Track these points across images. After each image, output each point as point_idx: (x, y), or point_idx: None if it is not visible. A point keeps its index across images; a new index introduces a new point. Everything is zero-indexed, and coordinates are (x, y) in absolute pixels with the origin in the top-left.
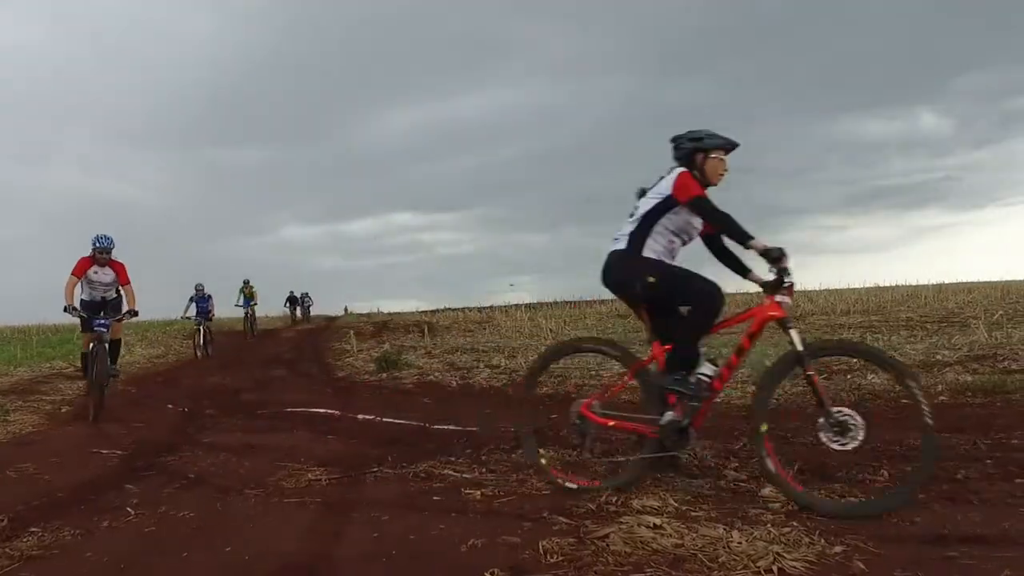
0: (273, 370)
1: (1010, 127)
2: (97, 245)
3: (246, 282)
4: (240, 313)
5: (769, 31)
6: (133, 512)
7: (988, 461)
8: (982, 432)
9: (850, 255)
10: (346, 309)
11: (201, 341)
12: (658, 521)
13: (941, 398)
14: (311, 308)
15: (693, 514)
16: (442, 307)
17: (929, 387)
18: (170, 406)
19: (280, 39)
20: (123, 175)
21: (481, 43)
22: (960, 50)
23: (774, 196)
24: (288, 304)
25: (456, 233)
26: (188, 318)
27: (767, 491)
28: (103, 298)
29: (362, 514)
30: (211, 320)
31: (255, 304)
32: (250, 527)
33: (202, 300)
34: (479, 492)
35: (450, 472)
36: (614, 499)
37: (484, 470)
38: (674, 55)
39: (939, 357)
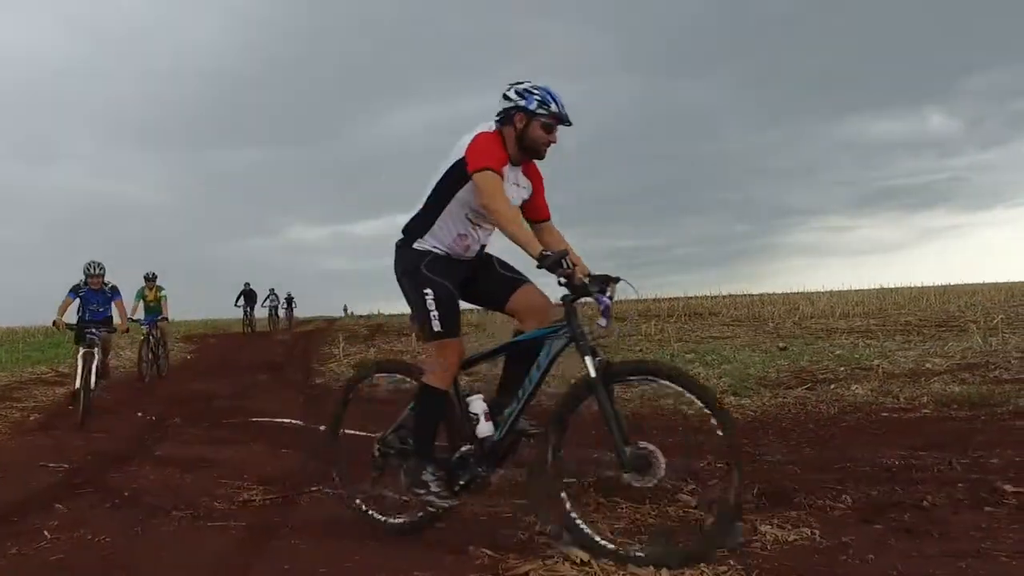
0: (257, 376)
1: (1018, 127)
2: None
3: (149, 277)
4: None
5: (775, 30)
6: (49, 536)
7: (960, 485)
8: (960, 450)
9: (858, 256)
10: (346, 310)
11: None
12: (586, 557)
13: (924, 411)
14: (290, 311)
15: (629, 548)
16: None
17: (914, 398)
18: (139, 414)
19: (285, 41)
20: (128, 176)
21: (486, 43)
22: (968, 50)
23: (781, 197)
24: (243, 301)
25: None
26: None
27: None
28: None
29: (282, 541)
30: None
31: (163, 319)
32: (163, 555)
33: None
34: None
35: (390, 493)
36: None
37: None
38: (681, 55)
39: (929, 366)
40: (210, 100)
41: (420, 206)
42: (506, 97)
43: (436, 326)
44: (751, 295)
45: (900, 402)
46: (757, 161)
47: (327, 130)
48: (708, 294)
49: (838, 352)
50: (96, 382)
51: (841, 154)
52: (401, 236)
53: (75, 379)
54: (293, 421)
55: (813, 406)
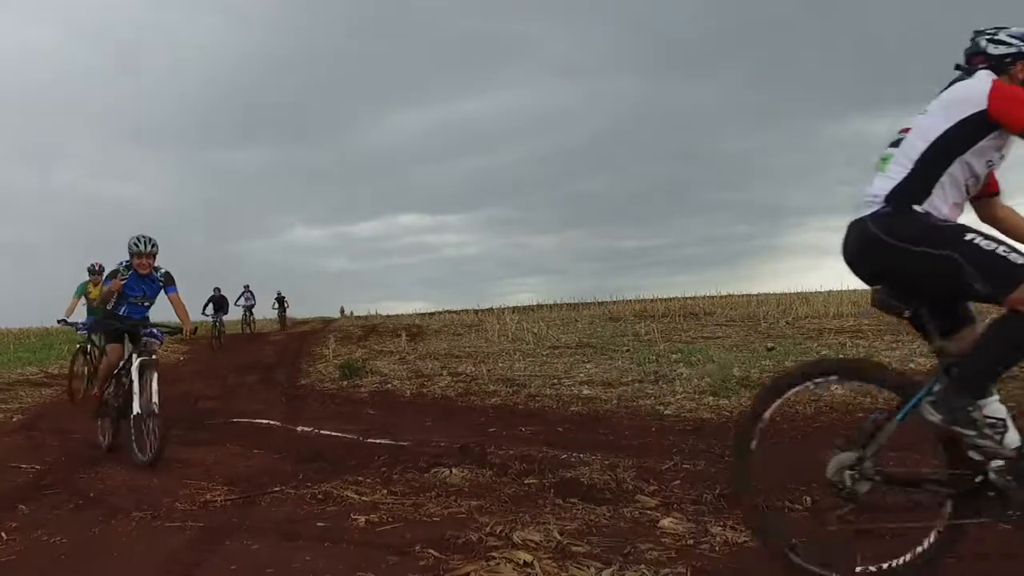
0: (247, 376)
1: None
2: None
3: (94, 270)
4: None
5: (778, 29)
6: (6, 537)
7: None
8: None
9: None
10: (342, 311)
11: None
12: (529, 559)
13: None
14: (283, 311)
15: (575, 549)
16: (442, 309)
17: (895, 397)
18: None
19: (286, 42)
20: (129, 177)
21: (488, 44)
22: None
23: (783, 197)
24: (212, 309)
25: (462, 235)
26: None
27: (667, 522)
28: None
29: (235, 542)
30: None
31: None
32: (116, 556)
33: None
34: (364, 519)
35: (350, 494)
36: (499, 529)
37: (387, 491)
38: (683, 55)
39: (913, 364)
40: (211, 101)
41: (906, 168)
42: (999, 41)
43: (1018, 259)
44: (749, 295)
45: (879, 401)
46: (759, 161)
47: (327, 131)
48: (708, 294)
49: (824, 352)
50: (150, 413)
51: (842, 154)
52: (883, 204)
53: (111, 401)
54: (270, 422)
55: (789, 406)
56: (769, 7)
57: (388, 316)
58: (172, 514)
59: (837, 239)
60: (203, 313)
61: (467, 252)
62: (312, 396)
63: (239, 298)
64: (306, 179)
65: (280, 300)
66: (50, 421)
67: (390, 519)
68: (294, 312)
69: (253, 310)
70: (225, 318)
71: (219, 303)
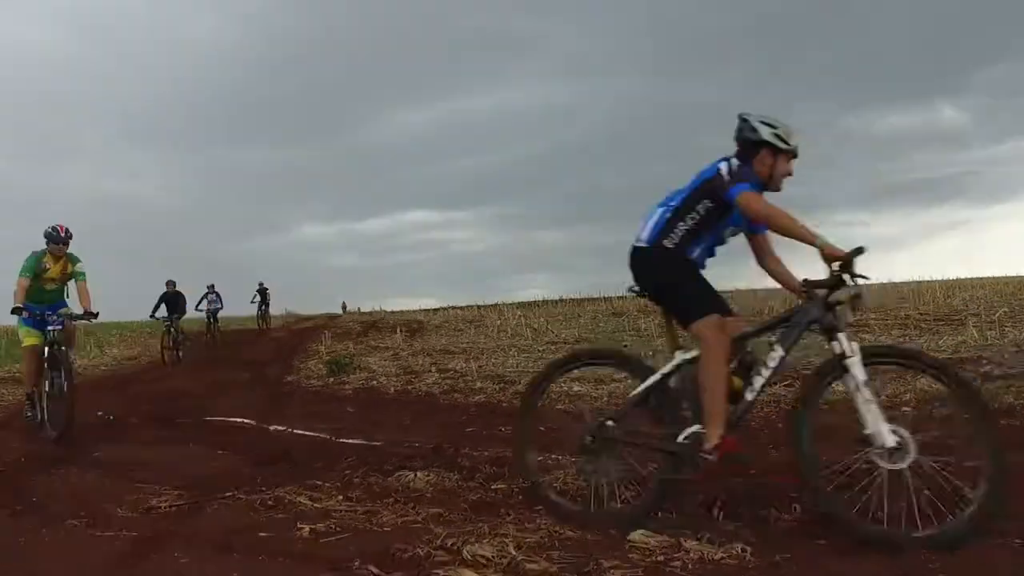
0: (241, 373)
1: None
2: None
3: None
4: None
5: (786, 23)
6: None
7: (926, 492)
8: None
9: (870, 251)
10: (344, 307)
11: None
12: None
13: (904, 409)
14: (264, 307)
15: (528, 567)
16: (448, 305)
17: (896, 395)
18: (99, 413)
19: (291, 39)
20: (136, 176)
21: (495, 40)
22: (981, 42)
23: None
24: (165, 310)
25: (470, 231)
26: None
27: (637, 535)
28: None
29: (164, 555)
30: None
31: (73, 318)
32: (38, 567)
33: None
34: (309, 528)
35: (304, 500)
36: (451, 542)
37: (343, 497)
38: (691, 50)
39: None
40: (218, 99)
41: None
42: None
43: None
44: (753, 290)
45: (882, 400)
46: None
47: (334, 128)
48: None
49: (828, 347)
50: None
51: (852, 148)
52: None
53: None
54: (244, 421)
55: (787, 403)
56: (773, 3)
57: (392, 312)
58: (110, 522)
59: (847, 233)
60: (152, 316)
61: (476, 248)
62: (296, 393)
63: (200, 301)
64: (313, 176)
65: (262, 293)
66: (23, 419)
67: (338, 529)
68: (300, 308)
69: (216, 316)
70: (233, 315)
71: (173, 302)
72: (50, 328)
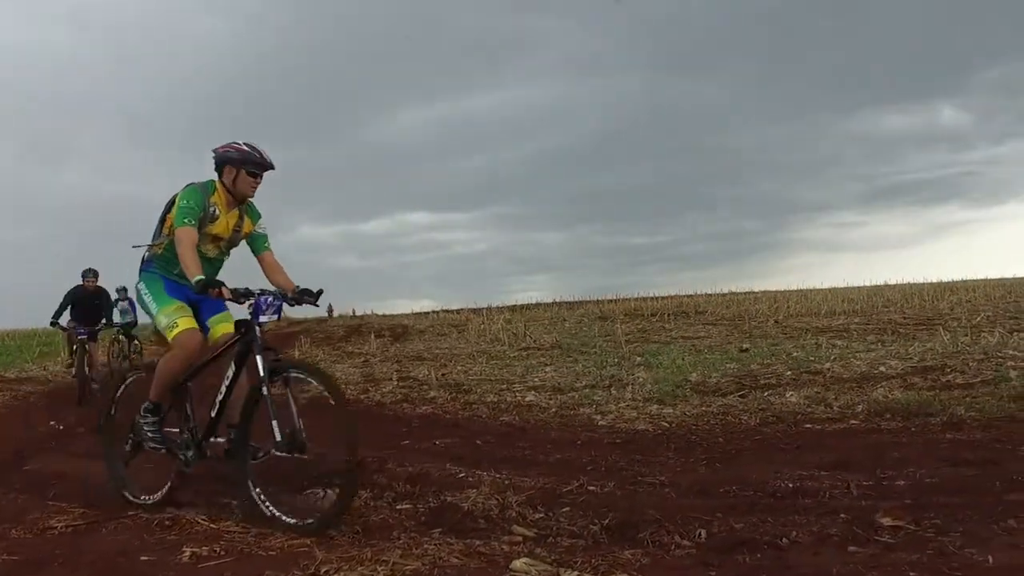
0: (209, 380)
1: None
2: None
3: None
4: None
5: (785, 24)
6: None
7: (842, 516)
8: (869, 469)
9: (870, 252)
10: (330, 311)
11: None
12: None
13: (853, 422)
14: None
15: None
16: (443, 308)
17: (848, 407)
18: (52, 422)
19: (292, 39)
20: (136, 176)
21: (495, 41)
22: (981, 42)
23: (792, 192)
24: (70, 318)
25: (471, 232)
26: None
27: (519, 563)
28: None
29: None
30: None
31: None
32: None
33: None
34: (191, 552)
35: (201, 519)
36: (324, 570)
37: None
38: (690, 52)
39: (883, 368)
40: (218, 99)
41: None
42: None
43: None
44: (748, 292)
45: (832, 411)
46: (767, 157)
47: (334, 128)
48: (708, 292)
49: (796, 354)
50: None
51: (852, 149)
52: None
53: None
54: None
55: (735, 416)
56: (773, 3)
57: (382, 316)
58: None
59: (847, 234)
60: (53, 323)
61: (476, 249)
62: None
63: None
64: (313, 177)
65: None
66: None
67: (222, 553)
68: (293, 311)
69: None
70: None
71: (87, 308)
72: (262, 319)
